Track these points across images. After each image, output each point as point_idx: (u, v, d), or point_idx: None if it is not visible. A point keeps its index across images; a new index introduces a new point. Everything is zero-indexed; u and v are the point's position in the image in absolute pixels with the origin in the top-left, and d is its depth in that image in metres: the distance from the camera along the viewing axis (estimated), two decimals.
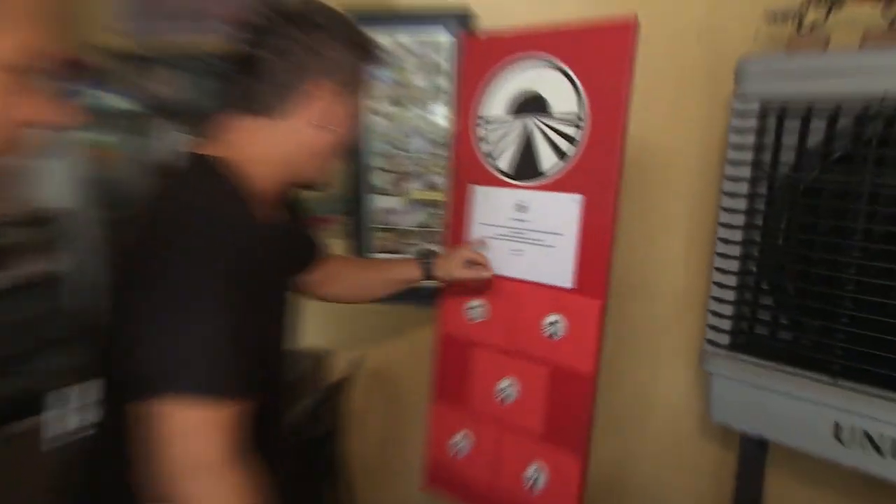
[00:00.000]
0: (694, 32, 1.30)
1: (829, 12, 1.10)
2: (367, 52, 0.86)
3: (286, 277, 0.89)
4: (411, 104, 1.42)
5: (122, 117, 1.37)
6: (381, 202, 1.58)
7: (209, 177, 0.77)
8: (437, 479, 1.25)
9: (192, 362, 0.64)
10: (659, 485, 1.44)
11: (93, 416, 0.74)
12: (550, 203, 1.16)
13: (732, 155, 1.15)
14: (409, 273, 1.16)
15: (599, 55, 1.05)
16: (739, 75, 1.13)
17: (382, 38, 1.40)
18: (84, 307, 1.26)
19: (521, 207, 1.19)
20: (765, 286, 1.16)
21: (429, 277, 1.17)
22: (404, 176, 1.54)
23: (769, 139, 1.13)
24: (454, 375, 1.23)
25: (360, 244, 1.60)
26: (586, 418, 1.06)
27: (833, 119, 1.05)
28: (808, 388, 1.08)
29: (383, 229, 1.58)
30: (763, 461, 1.26)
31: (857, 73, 0.99)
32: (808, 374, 1.09)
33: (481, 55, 1.18)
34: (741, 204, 1.16)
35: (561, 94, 1.12)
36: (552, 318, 1.17)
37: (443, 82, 1.42)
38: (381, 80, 1.40)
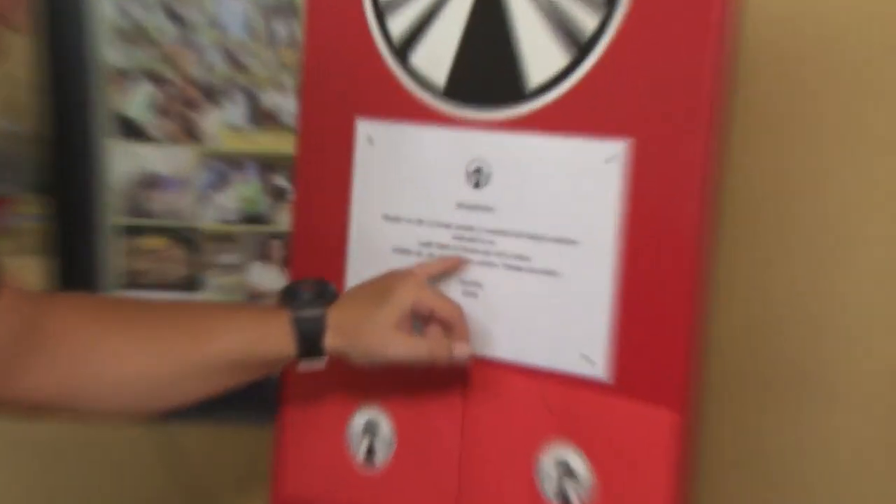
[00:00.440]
0: None
1: None
2: None
3: None
4: None
5: None
6: (135, 160, 1.32)
7: None
8: None
9: None
10: None
11: None
12: (549, 163, 0.81)
13: None
14: (267, 343, 0.79)
15: None
16: None
17: None
18: None
19: (479, 177, 0.84)
20: None
21: (312, 352, 0.78)
22: (191, 99, 1.29)
23: None
24: None
25: (87, 269, 1.38)
26: None
27: None
28: None
29: (147, 230, 1.35)
30: None
31: None
32: None
33: None
34: None
35: None
36: (558, 455, 0.82)
37: None
38: None
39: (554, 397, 0.80)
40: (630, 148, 0.76)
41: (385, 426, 0.90)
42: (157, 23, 1.30)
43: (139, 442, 1.42)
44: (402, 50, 0.85)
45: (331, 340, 0.77)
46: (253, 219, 1.35)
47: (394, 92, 0.86)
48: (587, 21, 0.77)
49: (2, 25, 0.75)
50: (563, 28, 0.78)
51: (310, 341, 0.77)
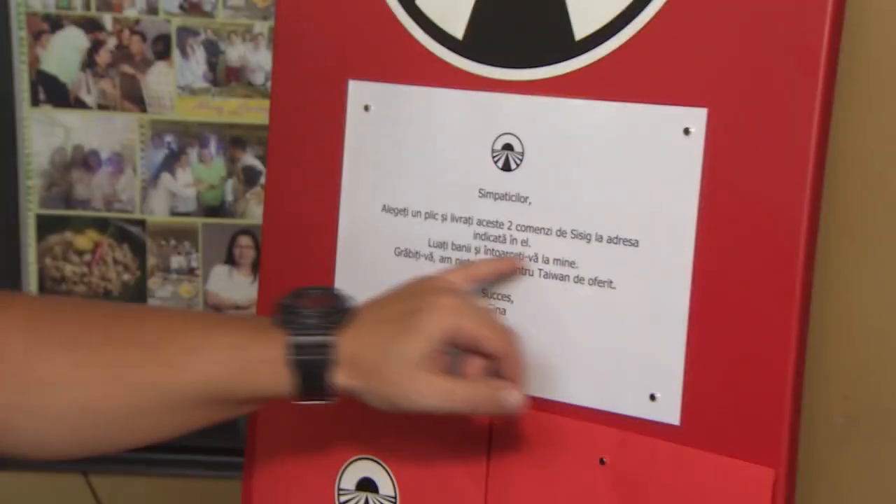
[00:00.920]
0: None
1: None
2: None
3: None
4: None
5: None
6: (59, 133, 1.38)
7: None
8: None
9: None
10: None
11: None
12: (602, 137, 0.83)
13: None
14: (255, 376, 0.80)
15: None
16: None
17: None
18: None
19: (509, 156, 0.86)
20: None
21: (314, 391, 0.79)
22: (134, 52, 1.35)
23: None
24: None
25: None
26: None
27: None
28: None
29: (75, 224, 1.39)
30: None
31: None
32: None
33: None
34: None
35: None
36: None
37: None
38: None
39: (609, 449, 0.81)
40: (712, 117, 0.77)
41: (385, 484, 0.90)
42: None
43: (76, 494, 1.49)
44: None
45: (342, 378, 0.77)
46: (214, 210, 1.39)
47: (397, 45, 0.88)
48: None
49: None
50: None
51: (310, 377, 0.77)
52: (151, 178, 1.36)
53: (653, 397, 0.79)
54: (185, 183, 1.35)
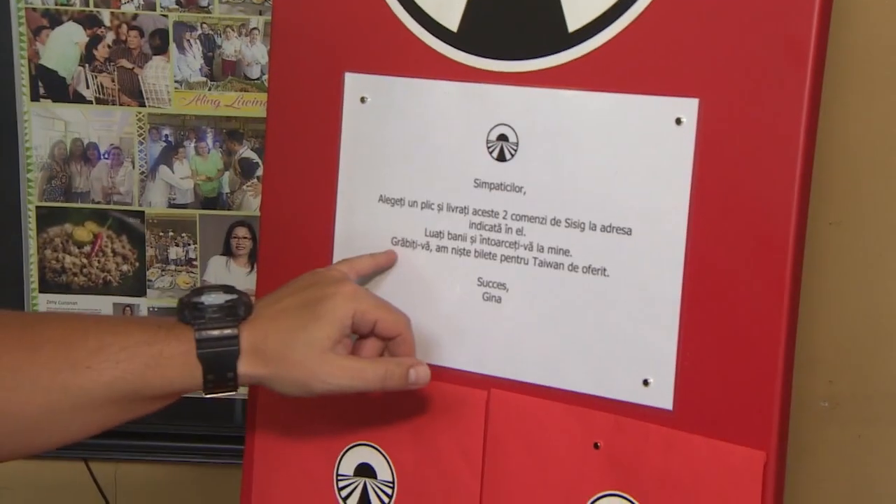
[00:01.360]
0: None
1: None
2: None
3: None
4: None
5: None
6: (59, 126, 1.40)
7: None
8: None
9: None
10: None
11: None
12: (595, 128, 0.84)
13: None
14: (163, 371, 0.80)
15: None
16: None
17: None
18: None
19: (503, 146, 0.87)
20: None
21: (221, 383, 0.81)
22: (132, 47, 1.37)
23: None
24: None
25: None
26: None
27: None
28: None
29: (74, 216, 1.42)
30: None
31: None
32: None
33: None
34: None
35: None
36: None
37: None
38: None
39: (603, 433, 0.81)
40: (704, 107, 0.77)
41: (383, 470, 0.90)
42: None
43: (77, 480, 1.49)
44: None
45: (247, 367, 0.79)
46: (212, 202, 1.39)
47: (392, 37, 0.88)
48: None
49: None
50: None
51: (220, 369, 0.78)
52: (149, 171, 1.35)
53: (646, 382, 0.80)
54: (183, 175, 1.35)
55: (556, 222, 0.82)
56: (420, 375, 0.81)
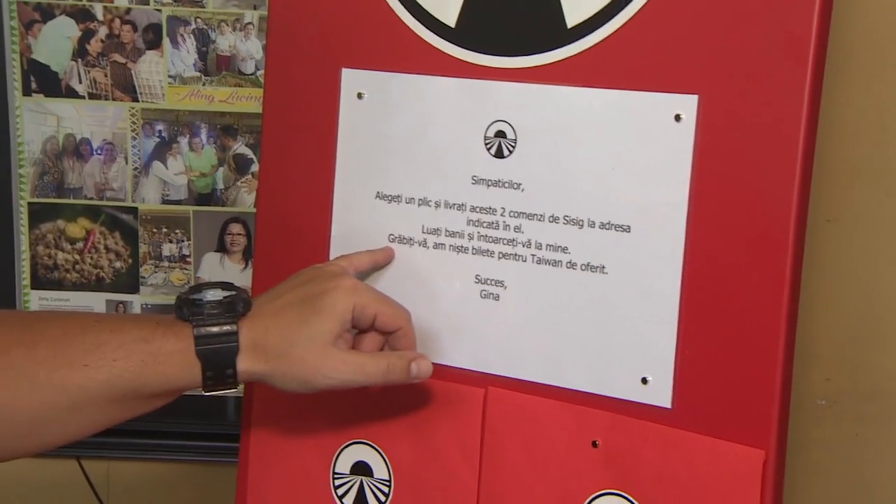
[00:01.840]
0: None
1: None
2: None
3: None
4: None
5: None
6: (51, 122, 1.41)
7: None
8: None
9: None
10: None
11: None
12: (594, 125, 0.84)
13: None
14: (161, 369, 0.80)
15: None
16: None
17: None
18: None
19: (501, 143, 0.87)
20: None
21: (221, 380, 0.81)
22: (125, 41, 1.37)
23: None
24: None
25: None
26: None
27: None
28: None
29: (66, 212, 1.43)
30: None
31: None
32: None
33: None
34: None
35: None
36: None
37: None
38: None
39: (601, 432, 0.81)
40: (703, 103, 0.77)
41: (380, 468, 0.90)
42: None
43: (70, 478, 1.49)
44: None
45: (247, 364, 0.79)
46: (206, 198, 1.39)
47: (389, 33, 0.88)
48: None
49: None
50: None
51: (219, 366, 0.78)
52: (143, 167, 1.35)
53: (644, 381, 0.80)
54: (177, 171, 1.35)
55: (554, 219, 0.82)
56: (422, 369, 0.82)
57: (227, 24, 1.31)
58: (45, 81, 1.34)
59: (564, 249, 0.82)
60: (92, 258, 1.37)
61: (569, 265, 0.82)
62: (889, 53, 1.17)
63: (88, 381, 0.77)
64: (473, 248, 0.85)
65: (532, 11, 0.82)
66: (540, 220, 0.82)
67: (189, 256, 1.37)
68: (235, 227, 1.37)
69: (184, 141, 1.34)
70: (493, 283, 0.85)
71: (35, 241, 1.38)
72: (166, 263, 1.37)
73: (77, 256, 1.37)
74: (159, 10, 1.30)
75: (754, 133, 0.76)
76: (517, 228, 0.83)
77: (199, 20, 1.31)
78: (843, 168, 1.19)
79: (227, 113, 1.33)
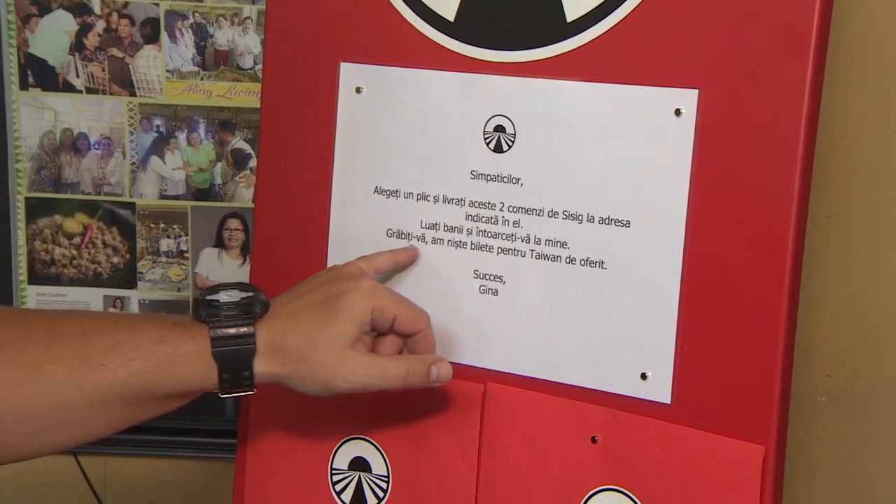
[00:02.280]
0: None
1: None
2: None
3: None
4: None
5: None
6: (48, 116, 1.41)
7: None
8: None
9: None
10: None
11: None
12: (593, 119, 0.84)
13: None
14: (177, 370, 0.79)
15: None
16: None
17: None
18: None
19: (500, 137, 0.87)
20: None
21: (237, 382, 0.80)
22: (123, 35, 1.37)
23: None
24: None
25: None
26: None
27: None
28: None
29: (64, 207, 1.42)
30: None
31: None
32: None
33: None
34: None
35: None
36: (602, 502, 0.85)
37: None
38: None
39: (601, 427, 0.81)
40: (703, 98, 0.77)
41: (378, 463, 0.90)
42: None
43: (67, 474, 1.49)
44: None
45: (264, 366, 0.78)
46: (203, 193, 1.39)
47: (388, 27, 0.87)
48: None
49: None
50: None
51: (236, 368, 0.78)
52: (140, 162, 1.36)
53: (644, 376, 0.79)
54: (174, 166, 1.35)
55: (553, 214, 0.81)
56: (442, 372, 0.81)
57: (226, 19, 1.31)
58: (42, 76, 1.34)
59: (564, 244, 0.81)
60: (89, 253, 1.37)
61: (568, 260, 0.81)
62: (890, 51, 1.17)
63: (105, 381, 0.77)
64: (472, 244, 0.85)
65: (532, 5, 0.81)
66: (539, 214, 0.82)
67: (187, 252, 1.37)
68: (233, 223, 1.37)
69: (182, 136, 1.34)
70: (492, 278, 0.84)
71: (32, 236, 1.38)
72: (164, 259, 1.37)
73: (74, 251, 1.37)
74: (157, 5, 1.30)
75: (755, 128, 0.76)
76: (516, 223, 0.83)
77: (197, 15, 1.31)
78: (844, 164, 1.19)
79: (225, 108, 1.33)
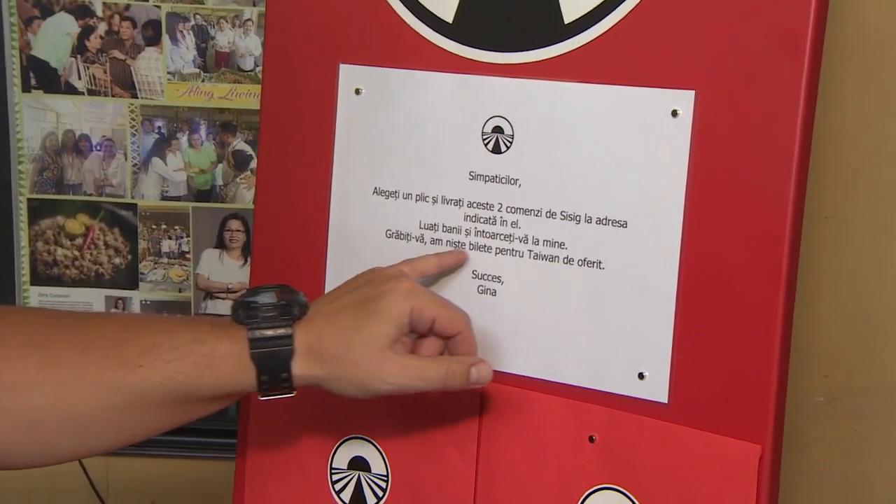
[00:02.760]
0: None
1: None
2: None
3: None
4: None
5: None
6: (50, 118, 1.40)
7: None
8: None
9: None
10: None
11: None
12: (591, 120, 0.84)
13: None
14: (217, 371, 0.78)
15: None
16: None
17: None
18: None
19: (498, 138, 0.87)
20: None
21: (276, 384, 0.79)
22: (124, 38, 1.37)
23: None
24: None
25: None
26: None
27: None
28: None
29: (66, 208, 1.41)
30: None
31: None
32: None
33: None
34: None
35: None
36: (604, 502, 0.84)
37: None
38: None
39: (598, 427, 0.80)
40: (700, 99, 0.76)
41: (377, 463, 0.89)
42: None
43: (69, 475, 1.47)
44: None
45: (302, 368, 0.77)
46: (205, 194, 1.38)
47: (387, 29, 0.87)
48: None
49: None
50: None
51: (273, 369, 0.77)
52: (142, 163, 1.35)
53: (641, 376, 0.79)
54: (176, 167, 1.34)
55: (551, 215, 0.81)
56: (482, 374, 0.80)
57: (227, 21, 1.30)
58: (44, 78, 1.34)
59: (561, 245, 0.81)
60: (91, 254, 1.37)
61: (566, 260, 0.81)
62: (887, 52, 1.16)
63: (143, 381, 0.76)
64: (471, 244, 0.85)
65: (529, 7, 0.81)
66: (537, 215, 0.82)
67: (188, 253, 1.36)
68: (234, 224, 1.36)
69: (183, 137, 1.33)
70: (490, 278, 0.84)
71: (34, 237, 1.37)
72: (165, 260, 1.37)
73: (76, 252, 1.36)
74: (158, 7, 1.30)
75: (751, 128, 0.75)
76: (514, 224, 0.82)
77: (198, 17, 1.30)
78: (841, 165, 1.18)
79: (226, 109, 1.32)
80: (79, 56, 1.32)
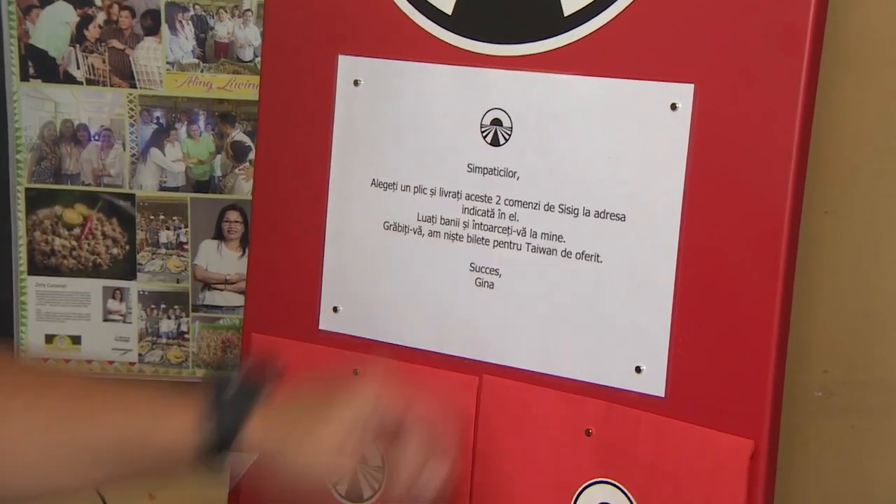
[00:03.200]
0: None
1: None
2: None
3: None
4: None
5: None
6: (49, 107, 1.40)
7: None
8: None
9: None
10: None
11: None
12: (589, 113, 0.84)
13: None
14: (166, 427, 0.80)
15: None
16: None
17: None
18: None
19: (497, 130, 0.87)
20: None
21: (223, 447, 0.80)
22: (123, 27, 1.36)
23: None
24: None
25: None
26: None
27: None
28: None
29: (64, 198, 1.42)
30: None
31: None
32: None
33: None
34: None
35: None
36: (600, 497, 0.85)
37: None
38: None
39: (595, 420, 0.81)
40: (699, 92, 0.77)
41: (372, 455, 0.90)
42: None
43: None
44: None
45: (255, 435, 0.78)
46: (203, 185, 1.38)
47: (386, 20, 0.87)
48: None
49: None
50: None
51: (222, 432, 0.78)
52: (140, 153, 1.35)
53: (638, 370, 0.80)
54: (174, 158, 1.34)
55: (549, 208, 0.82)
56: (428, 482, 0.79)
57: (226, 11, 1.30)
58: (42, 67, 1.34)
59: (559, 238, 0.81)
60: (89, 244, 1.37)
61: (564, 254, 0.81)
62: (888, 48, 1.16)
63: (101, 431, 0.78)
64: (468, 237, 0.85)
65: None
66: (535, 208, 0.82)
67: (186, 243, 1.36)
68: (233, 215, 1.36)
69: (182, 128, 1.33)
70: (487, 271, 0.84)
71: (32, 226, 1.38)
72: (163, 250, 1.37)
73: (74, 242, 1.37)
74: None
75: (750, 122, 0.76)
76: (512, 217, 0.83)
77: (197, 7, 1.30)
78: (840, 160, 1.18)
79: (225, 100, 1.33)
80: (77, 45, 1.32)
